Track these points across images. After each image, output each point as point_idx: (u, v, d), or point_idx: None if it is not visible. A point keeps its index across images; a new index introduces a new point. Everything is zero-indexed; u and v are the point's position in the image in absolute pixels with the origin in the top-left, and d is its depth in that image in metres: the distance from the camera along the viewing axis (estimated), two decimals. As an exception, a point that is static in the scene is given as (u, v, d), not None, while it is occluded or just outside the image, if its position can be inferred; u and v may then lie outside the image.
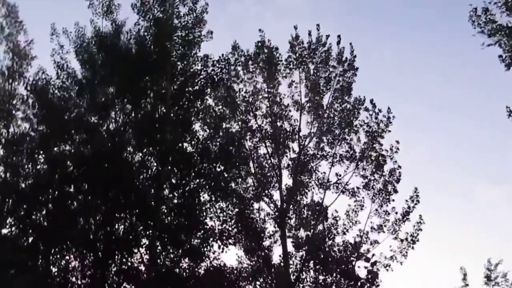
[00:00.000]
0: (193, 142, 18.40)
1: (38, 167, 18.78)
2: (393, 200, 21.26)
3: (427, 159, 51.96)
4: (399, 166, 21.47)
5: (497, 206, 52.86)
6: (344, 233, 20.74)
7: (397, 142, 21.75)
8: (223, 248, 17.63)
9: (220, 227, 18.12)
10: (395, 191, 21.26)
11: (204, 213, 18.03)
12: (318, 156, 22.06)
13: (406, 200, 20.91)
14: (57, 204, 17.66)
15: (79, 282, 17.54)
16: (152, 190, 17.73)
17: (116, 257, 17.56)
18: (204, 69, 18.69)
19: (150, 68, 18.25)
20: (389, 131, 21.91)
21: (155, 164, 18.15)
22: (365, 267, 17.57)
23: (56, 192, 17.88)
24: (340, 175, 21.79)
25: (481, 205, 54.21)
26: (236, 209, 19.26)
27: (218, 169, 18.19)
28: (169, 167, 17.81)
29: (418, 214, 20.71)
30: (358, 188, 21.57)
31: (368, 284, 16.83)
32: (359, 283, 16.93)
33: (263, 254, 19.88)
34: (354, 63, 22.79)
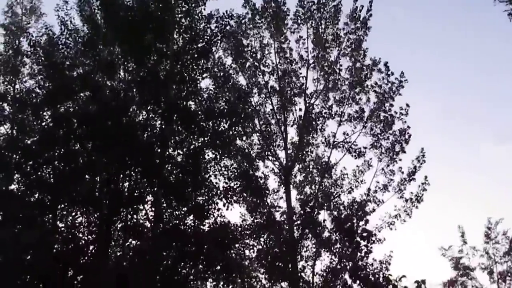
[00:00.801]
0: (197, 100, 18.26)
1: (44, 124, 18.83)
2: (400, 160, 21.15)
3: (434, 116, 51.60)
4: (408, 127, 21.18)
5: (501, 165, 52.88)
6: (350, 192, 20.76)
7: (407, 105, 21.35)
8: (227, 206, 17.79)
9: (224, 185, 18.25)
10: (403, 151, 21.08)
11: (209, 171, 18.12)
12: (325, 114, 21.82)
13: (412, 160, 20.82)
14: (63, 161, 17.81)
15: (85, 238, 17.87)
16: (157, 148, 17.71)
17: (121, 214, 17.81)
18: (208, 25, 18.31)
19: (153, 25, 17.91)
20: (400, 94, 21.52)
21: (159, 122, 18.11)
22: (359, 226, 17.65)
23: (62, 150, 18.00)
24: (347, 134, 21.62)
25: (485, 163, 54.22)
26: (241, 167, 19.25)
27: (223, 127, 18.14)
28: (173, 125, 17.73)
29: (423, 175, 20.67)
30: (365, 148, 21.43)
31: (364, 242, 16.96)
32: (355, 242, 17.05)
33: (266, 211, 20.00)
34: (368, 22, 22.20)
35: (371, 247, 17.61)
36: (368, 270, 17.16)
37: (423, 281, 13.53)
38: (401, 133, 20.95)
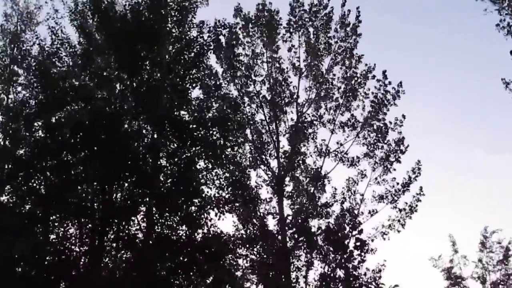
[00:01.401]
0: (189, 110, 18.30)
1: (36, 134, 18.81)
2: (395, 170, 21.17)
3: (427, 122, 51.88)
4: (403, 138, 21.15)
5: (494, 174, 53.18)
6: (343, 202, 20.77)
7: (403, 116, 21.35)
8: (219, 216, 17.79)
9: (216, 195, 18.26)
10: (399, 161, 21.08)
11: (201, 181, 18.12)
12: (317, 122, 21.87)
13: (407, 171, 20.80)
14: (55, 172, 17.76)
15: (78, 249, 17.81)
16: (149, 158, 17.71)
17: (114, 224, 17.77)
18: (200, 35, 18.37)
19: (146, 35, 17.95)
20: (396, 105, 21.54)
21: (151, 132, 18.11)
22: (353, 235, 17.66)
23: (54, 160, 17.96)
24: (341, 144, 21.63)
25: (478, 171, 54.51)
26: (233, 177, 19.26)
27: (215, 137, 18.17)
28: (165, 135, 17.75)
29: (419, 185, 20.71)
30: (358, 157, 21.46)
31: (357, 251, 17.00)
32: (348, 251, 17.07)
33: (258, 221, 19.98)
34: (357, 28, 22.28)
35: (365, 257, 17.64)
36: (361, 279, 17.15)
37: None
38: (397, 144, 20.95)
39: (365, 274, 17.59)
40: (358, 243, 16.29)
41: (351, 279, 16.83)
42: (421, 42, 58.34)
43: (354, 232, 17.70)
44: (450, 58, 59.26)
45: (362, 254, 17.28)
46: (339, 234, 17.05)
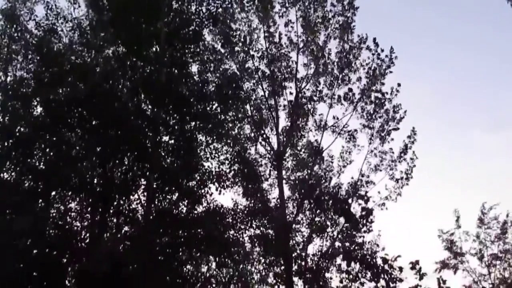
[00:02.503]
0: (188, 84, 18.23)
1: (34, 112, 18.78)
2: (393, 139, 21.21)
3: (423, 100, 51.92)
4: (400, 104, 21.17)
5: (491, 154, 53.47)
6: (340, 175, 20.89)
7: (399, 85, 21.35)
8: (220, 190, 17.85)
9: (217, 169, 18.32)
10: (396, 129, 21.10)
11: (201, 155, 18.16)
12: (316, 97, 21.85)
13: (404, 140, 20.89)
14: (54, 149, 17.75)
15: (79, 224, 17.89)
16: (148, 133, 17.68)
17: (114, 200, 17.82)
18: (199, 8, 18.24)
19: (145, 8, 17.79)
20: (391, 72, 21.51)
21: (150, 107, 18.07)
22: (359, 204, 17.68)
23: (53, 137, 17.94)
24: (338, 118, 21.66)
25: (475, 150, 54.76)
26: (233, 151, 19.29)
27: (214, 111, 18.15)
28: (165, 110, 17.70)
29: (412, 152, 20.77)
30: (356, 130, 21.49)
31: (363, 221, 17.05)
32: (353, 220, 17.10)
33: (259, 196, 20.04)
34: (354, 2, 22.15)
35: (371, 226, 17.74)
36: (363, 250, 17.22)
37: (417, 262, 13.69)
38: (394, 111, 20.95)
39: (364, 246, 17.62)
40: (363, 212, 16.28)
41: (356, 247, 16.92)
42: (417, 21, 58.11)
43: (359, 201, 17.61)
44: (445, 37, 59.08)
45: (368, 224, 17.36)
46: (345, 203, 17.02)
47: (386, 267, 13.79)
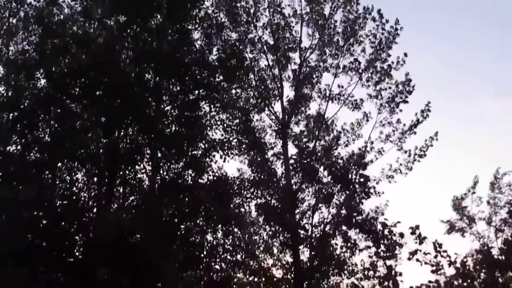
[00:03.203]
0: (191, 53, 18.06)
1: (38, 84, 18.74)
2: (401, 111, 20.94)
3: (429, 68, 51.39)
4: (410, 78, 20.82)
5: (501, 119, 53.12)
6: (347, 145, 20.74)
7: (405, 55, 21.00)
8: (224, 158, 17.84)
9: (221, 138, 18.30)
10: (406, 102, 20.81)
11: (205, 124, 18.12)
12: (320, 67, 21.61)
13: (416, 113, 20.54)
14: (59, 120, 17.75)
15: (85, 195, 18.00)
16: (152, 102, 17.62)
17: (120, 170, 17.88)
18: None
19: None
20: (396, 43, 21.15)
21: (153, 76, 17.97)
22: (356, 170, 17.58)
23: (57, 109, 17.93)
24: (343, 87, 21.44)
25: (484, 117, 54.47)
26: (237, 120, 19.23)
27: (218, 79, 18.02)
28: (167, 79, 17.59)
29: (430, 129, 20.45)
30: (361, 99, 21.27)
31: (361, 187, 17.01)
32: (351, 187, 17.09)
33: (264, 165, 20.01)
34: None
35: (368, 191, 17.66)
36: (364, 216, 17.19)
37: (417, 227, 13.65)
38: (404, 84, 20.65)
39: (368, 214, 17.57)
40: (361, 179, 16.28)
41: (355, 214, 16.91)
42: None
43: (360, 171, 17.54)
44: (450, 7, 58.03)
45: (366, 189, 17.32)
46: (343, 170, 16.97)
47: (386, 232, 13.85)
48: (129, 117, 17.23)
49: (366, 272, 17.46)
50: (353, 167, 17.67)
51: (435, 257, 12.68)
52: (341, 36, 21.71)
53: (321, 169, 19.77)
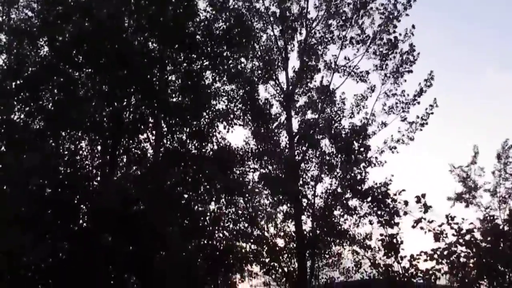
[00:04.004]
0: (195, 22, 17.87)
1: (41, 52, 18.62)
2: (405, 81, 20.77)
3: (435, 42, 50.94)
4: (414, 46, 20.57)
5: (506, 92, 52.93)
6: (351, 117, 20.61)
7: (413, 26, 20.68)
8: (228, 128, 17.83)
9: (225, 108, 18.25)
10: (410, 71, 20.63)
11: (209, 94, 18.04)
12: (326, 39, 21.35)
13: (419, 83, 20.39)
14: (62, 89, 17.68)
15: (89, 163, 18.04)
16: (155, 71, 17.51)
17: (123, 139, 17.89)
18: None
19: None
20: (407, 15, 20.82)
21: (156, 45, 17.82)
22: (357, 140, 17.54)
23: (61, 77, 17.86)
24: (349, 59, 21.21)
25: (490, 90, 54.33)
26: (242, 91, 19.13)
27: (222, 50, 17.87)
28: (171, 48, 17.45)
29: (430, 98, 20.33)
30: (367, 71, 21.06)
31: (362, 156, 17.04)
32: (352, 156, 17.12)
33: (268, 136, 19.97)
34: None
35: (370, 159, 17.71)
36: (367, 185, 17.24)
37: (423, 195, 13.65)
38: (408, 52, 20.43)
39: (374, 183, 17.56)
40: (362, 148, 16.33)
41: (358, 183, 16.96)
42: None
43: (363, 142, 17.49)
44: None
45: (367, 158, 17.37)
46: (346, 141, 16.96)
47: (389, 201, 13.93)
48: (132, 86, 17.17)
49: (367, 241, 17.72)
50: (355, 137, 17.61)
51: (440, 225, 12.74)
52: (350, 8, 21.39)
53: (325, 140, 19.90)
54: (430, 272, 12.69)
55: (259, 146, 19.92)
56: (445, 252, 12.74)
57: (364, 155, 16.83)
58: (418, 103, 20.40)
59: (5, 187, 16.19)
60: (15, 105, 17.99)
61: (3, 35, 20.84)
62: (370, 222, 17.34)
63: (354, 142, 17.49)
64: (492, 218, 13.53)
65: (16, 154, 16.07)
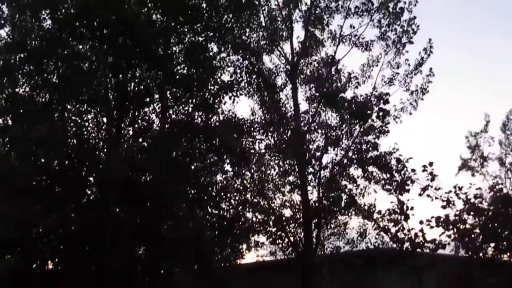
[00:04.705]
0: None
1: (45, 25, 18.51)
2: (407, 52, 20.65)
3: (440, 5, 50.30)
4: (414, 17, 20.41)
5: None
6: (356, 87, 20.52)
7: None
8: (233, 99, 17.81)
9: (231, 79, 18.22)
10: (411, 42, 20.49)
11: (214, 66, 17.99)
12: (331, 8, 21.11)
13: (419, 52, 20.29)
14: (67, 62, 17.62)
15: (96, 135, 18.11)
16: (160, 43, 17.42)
17: (130, 111, 17.92)
18: None
19: None
20: None
21: (160, 17, 17.69)
22: (376, 105, 17.44)
23: (65, 49, 17.78)
24: (354, 27, 20.98)
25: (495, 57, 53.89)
26: (247, 62, 19.06)
27: (227, 20, 17.74)
28: (175, 19, 17.31)
29: (429, 67, 20.23)
30: (372, 41, 20.88)
31: (380, 124, 17.06)
32: (368, 122, 17.08)
33: (274, 107, 19.96)
34: None
35: (387, 127, 17.72)
36: (377, 151, 17.21)
37: (430, 164, 13.69)
38: (408, 24, 20.28)
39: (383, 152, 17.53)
40: (380, 113, 16.21)
41: (370, 148, 17.01)
42: None
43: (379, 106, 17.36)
44: None
45: (384, 125, 17.36)
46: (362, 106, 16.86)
47: (399, 167, 13.98)
48: (137, 57, 17.09)
49: (372, 210, 17.86)
50: (374, 101, 17.56)
51: (447, 192, 12.83)
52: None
53: (330, 112, 19.88)
54: (438, 240, 12.81)
55: (265, 117, 19.94)
56: (453, 219, 12.85)
57: (381, 120, 16.80)
58: (420, 72, 20.33)
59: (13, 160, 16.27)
60: (20, 78, 18.01)
61: (5, 7, 20.74)
62: (384, 188, 17.41)
63: (374, 106, 17.30)
64: (499, 185, 13.61)
65: (23, 127, 16.15)
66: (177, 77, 17.10)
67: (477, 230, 12.53)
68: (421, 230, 12.70)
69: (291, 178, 19.55)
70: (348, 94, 19.92)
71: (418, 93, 20.07)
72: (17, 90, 18.18)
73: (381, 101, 16.44)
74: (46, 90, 17.77)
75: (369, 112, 16.49)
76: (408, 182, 12.98)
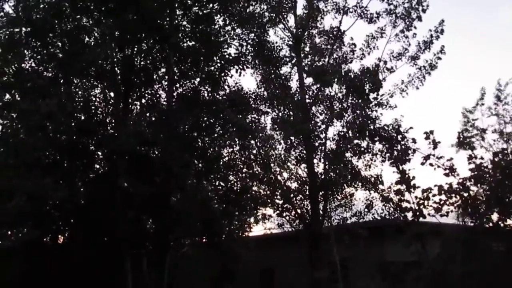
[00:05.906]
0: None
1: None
2: (415, 28, 20.41)
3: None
4: None
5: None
6: (361, 59, 20.46)
7: None
8: (240, 72, 17.85)
9: (237, 52, 18.23)
10: (420, 19, 20.24)
11: (220, 39, 17.99)
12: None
13: (430, 30, 20.03)
14: (72, 36, 17.63)
15: (103, 109, 18.23)
16: (166, 14, 17.40)
17: (136, 85, 18.00)
18: None
19: None
20: None
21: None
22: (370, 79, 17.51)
23: (71, 23, 17.80)
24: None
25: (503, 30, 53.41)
26: (252, 35, 19.05)
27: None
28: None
29: (441, 44, 20.06)
30: (378, 13, 20.67)
31: (373, 94, 17.15)
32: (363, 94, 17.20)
33: (279, 80, 19.99)
34: None
35: (381, 99, 17.81)
36: (376, 124, 17.30)
37: (431, 132, 13.76)
38: (418, 2, 20.01)
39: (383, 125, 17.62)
40: (374, 86, 16.34)
41: (369, 121, 17.10)
42: None
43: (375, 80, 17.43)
44: None
45: (378, 97, 17.48)
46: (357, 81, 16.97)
47: (399, 138, 14.08)
48: (143, 30, 17.10)
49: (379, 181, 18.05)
50: (367, 75, 17.62)
51: (449, 160, 12.91)
52: None
53: (334, 85, 19.85)
54: (441, 206, 12.93)
55: (270, 90, 19.98)
56: (456, 188, 12.95)
57: (376, 93, 16.88)
58: (429, 49, 20.12)
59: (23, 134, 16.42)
60: (25, 53, 18.04)
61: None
62: (383, 161, 17.57)
63: (366, 80, 17.39)
64: (503, 151, 13.66)
65: (32, 100, 16.24)
66: (184, 50, 17.10)
67: (481, 197, 12.61)
68: (424, 198, 12.83)
69: (297, 151, 19.67)
70: (355, 66, 20.03)
71: (426, 68, 19.97)
72: (23, 65, 18.27)
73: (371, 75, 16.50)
74: (52, 65, 17.81)
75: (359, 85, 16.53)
76: (411, 151, 13.04)
